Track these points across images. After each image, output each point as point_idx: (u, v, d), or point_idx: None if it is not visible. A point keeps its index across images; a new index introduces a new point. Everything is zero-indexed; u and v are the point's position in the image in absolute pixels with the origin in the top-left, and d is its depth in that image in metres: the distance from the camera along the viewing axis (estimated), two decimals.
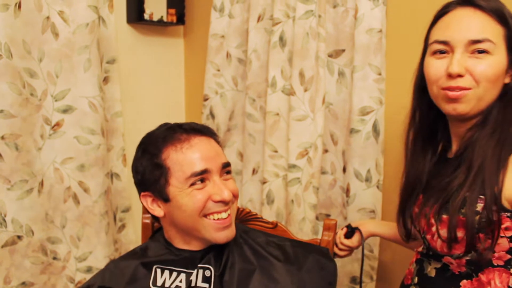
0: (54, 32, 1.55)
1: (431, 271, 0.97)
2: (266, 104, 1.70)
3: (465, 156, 0.90)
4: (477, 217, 0.84)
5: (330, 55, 1.63)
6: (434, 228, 0.91)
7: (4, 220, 1.53)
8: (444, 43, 0.91)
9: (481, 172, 0.85)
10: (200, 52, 2.00)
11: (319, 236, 1.22)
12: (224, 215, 0.97)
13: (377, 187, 1.59)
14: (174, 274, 0.99)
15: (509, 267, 0.86)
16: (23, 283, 1.60)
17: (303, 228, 1.70)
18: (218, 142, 1.03)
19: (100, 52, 1.65)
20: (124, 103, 1.85)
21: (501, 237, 0.85)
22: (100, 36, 1.65)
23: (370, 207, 1.60)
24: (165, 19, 1.93)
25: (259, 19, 1.73)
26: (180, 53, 2.10)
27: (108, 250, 1.75)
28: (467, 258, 0.89)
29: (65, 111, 1.60)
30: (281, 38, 1.65)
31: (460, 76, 0.87)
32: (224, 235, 0.99)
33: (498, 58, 0.88)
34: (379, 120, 1.55)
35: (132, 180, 1.88)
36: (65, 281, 1.72)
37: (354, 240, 1.24)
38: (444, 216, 0.89)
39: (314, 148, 1.63)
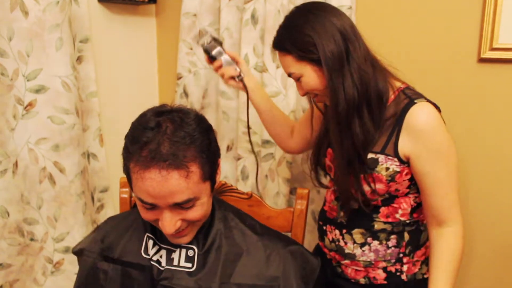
0: (23, 10, 1.52)
1: (353, 204, 1.20)
2: None
3: None
4: (389, 171, 1.13)
5: None
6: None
7: None
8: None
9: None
10: (173, 31, 2.00)
11: None
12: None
13: None
14: (156, 247, 1.00)
15: (409, 194, 1.19)
16: (0, 265, 1.60)
17: (278, 202, 1.74)
18: (187, 173, 0.86)
19: (72, 31, 1.63)
20: (99, 83, 1.85)
21: (404, 180, 1.15)
22: (71, 14, 1.63)
23: None
24: None
25: None
26: (153, 32, 2.09)
27: (86, 230, 1.76)
28: (381, 198, 1.18)
29: (37, 91, 1.59)
30: (253, 16, 1.67)
31: (306, 95, 1.21)
32: (176, 241, 0.96)
33: (306, 75, 1.13)
34: None
35: (110, 161, 1.90)
36: (43, 262, 1.72)
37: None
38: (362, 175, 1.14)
39: None
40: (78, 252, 1.08)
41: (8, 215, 1.59)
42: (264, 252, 0.99)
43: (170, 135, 0.85)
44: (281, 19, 1.60)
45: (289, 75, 1.17)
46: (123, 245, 1.02)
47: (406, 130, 1.10)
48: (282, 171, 1.70)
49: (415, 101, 1.10)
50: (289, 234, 1.19)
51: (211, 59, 1.41)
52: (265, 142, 1.68)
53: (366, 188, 1.14)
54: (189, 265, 0.97)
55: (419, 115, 1.09)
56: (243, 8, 1.67)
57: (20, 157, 1.60)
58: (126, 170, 0.89)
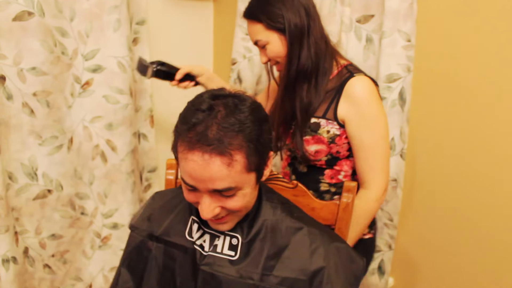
0: None
1: (303, 168, 1.38)
2: None
3: None
4: (330, 133, 1.28)
5: (358, 21, 1.60)
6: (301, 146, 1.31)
7: (36, 174, 1.59)
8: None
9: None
10: (229, 16, 1.99)
11: None
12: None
13: (401, 155, 1.58)
14: (200, 231, 1.00)
15: (349, 157, 1.33)
16: (53, 235, 1.67)
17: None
18: (230, 161, 0.83)
19: (129, 12, 1.66)
20: None
21: (344, 143, 1.30)
22: None
23: (392, 176, 1.60)
24: None
25: None
26: (210, 16, 2.09)
27: (134, 208, 1.81)
28: (325, 159, 1.32)
29: (94, 70, 1.64)
30: None
31: (267, 62, 1.34)
32: (215, 227, 0.96)
33: (272, 42, 1.28)
34: (406, 88, 1.53)
35: (159, 141, 1.93)
36: (92, 236, 1.79)
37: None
38: (308, 137, 1.30)
39: None
40: (130, 227, 1.10)
41: (62, 189, 1.66)
42: (310, 247, 0.96)
43: (220, 120, 0.83)
44: (337, 7, 1.57)
45: (255, 42, 1.31)
46: (168, 225, 1.03)
47: (344, 97, 1.26)
48: None
49: (355, 75, 1.26)
50: (332, 228, 1.16)
51: (171, 78, 1.47)
52: None
53: (311, 148, 1.30)
54: (232, 253, 0.96)
55: (355, 85, 1.25)
56: None
57: (75, 134, 1.66)
58: (175, 148, 0.89)
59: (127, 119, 1.70)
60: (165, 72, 1.46)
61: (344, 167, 1.34)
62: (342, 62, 1.32)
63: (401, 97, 1.53)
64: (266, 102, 1.57)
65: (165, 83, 1.49)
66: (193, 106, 0.87)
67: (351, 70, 1.28)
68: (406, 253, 1.74)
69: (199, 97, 0.89)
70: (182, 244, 1.00)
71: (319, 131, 1.28)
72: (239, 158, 0.84)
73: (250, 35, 1.33)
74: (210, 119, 0.83)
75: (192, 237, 0.99)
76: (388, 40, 1.50)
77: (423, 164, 1.63)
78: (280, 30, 1.26)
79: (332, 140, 1.28)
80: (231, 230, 0.97)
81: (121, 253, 1.81)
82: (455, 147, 1.54)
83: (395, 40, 1.50)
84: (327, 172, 1.35)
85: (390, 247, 1.68)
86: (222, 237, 0.97)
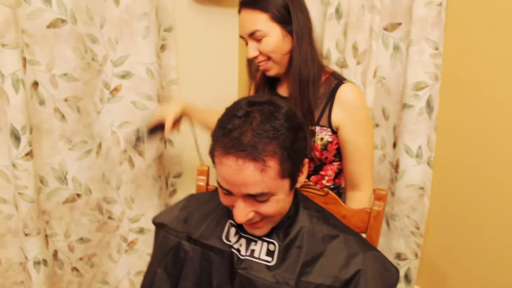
0: None
1: None
2: None
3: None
4: (323, 141, 1.29)
5: (385, 29, 1.60)
6: None
7: (66, 178, 1.61)
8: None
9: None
10: None
11: None
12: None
13: (428, 164, 1.58)
14: (237, 236, 1.01)
15: (333, 162, 1.35)
16: (81, 239, 1.70)
17: None
18: (263, 167, 0.85)
19: (158, 20, 1.69)
20: (179, 71, 1.89)
21: (333, 149, 1.32)
22: (158, 4, 1.69)
23: (419, 184, 1.59)
24: None
25: None
26: (235, 23, 2.11)
27: None
28: (314, 166, 1.34)
29: (123, 76, 1.66)
30: (337, 10, 1.64)
31: (256, 57, 1.27)
32: (250, 231, 0.98)
33: (272, 35, 1.22)
34: (433, 96, 1.52)
35: (184, 147, 1.95)
36: (119, 240, 1.81)
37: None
38: None
39: None
40: (159, 225, 1.12)
41: (91, 193, 1.68)
42: (346, 254, 0.96)
43: (255, 126, 0.85)
44: (365, 15, 1.57)
45: (252, 34, 1.23)
46: (205, 227, 1.04)
47: (337, 103, 1.26)
48: None
49: (343, 82, 1.28)
50: (363, 235, 1.16)
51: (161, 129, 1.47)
52: None
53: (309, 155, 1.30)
54: (269, 259, 0.97)
55: (347, 92, 1.26)
56: (328, 1, 1.65)
57: (104, 139, 1.69)
58: (212, 153, 0.91)
59: None
60: (156, 129, 1.47)
61: (329, 171, 1.36)
62: (327, 69, 1.33)
63: (429, 105, 1.53)
64: None
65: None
66: (230, 112, 0.89)
67: (338, 77, 1.30)
68: (432, 261, 1.73)
69: (236, 103, 0.91)
70: (219, 247, 1.01)
71: (314, 138, 1.29)
72: (273, 164, 0.86)
73: (247, 25, 1.24)
74: (246, 126, 0.85)
75: (230, 241, 1.01)
76: (416, 48, 1.50)
77: (451, 173, 1.62)
78: (284, 24, 1.22)
79: (325, 147, 1.30)
80: (268, 236, 0.98)
81: (147, 257, 1.83)
82: (483, 156, 1.53)
83: (422, 48, 1.50)
84: (312, 178, 1.37)
85: (416, 255, 1.67)
86: (259, 242, 0.99)
